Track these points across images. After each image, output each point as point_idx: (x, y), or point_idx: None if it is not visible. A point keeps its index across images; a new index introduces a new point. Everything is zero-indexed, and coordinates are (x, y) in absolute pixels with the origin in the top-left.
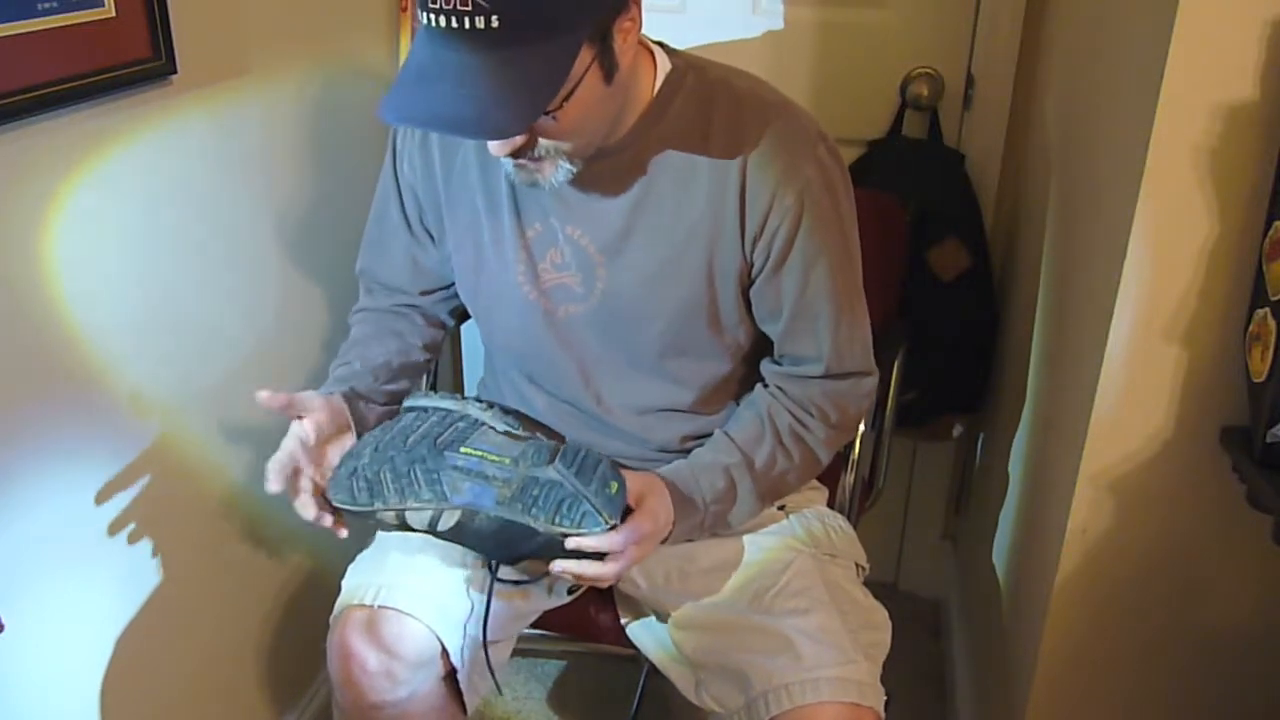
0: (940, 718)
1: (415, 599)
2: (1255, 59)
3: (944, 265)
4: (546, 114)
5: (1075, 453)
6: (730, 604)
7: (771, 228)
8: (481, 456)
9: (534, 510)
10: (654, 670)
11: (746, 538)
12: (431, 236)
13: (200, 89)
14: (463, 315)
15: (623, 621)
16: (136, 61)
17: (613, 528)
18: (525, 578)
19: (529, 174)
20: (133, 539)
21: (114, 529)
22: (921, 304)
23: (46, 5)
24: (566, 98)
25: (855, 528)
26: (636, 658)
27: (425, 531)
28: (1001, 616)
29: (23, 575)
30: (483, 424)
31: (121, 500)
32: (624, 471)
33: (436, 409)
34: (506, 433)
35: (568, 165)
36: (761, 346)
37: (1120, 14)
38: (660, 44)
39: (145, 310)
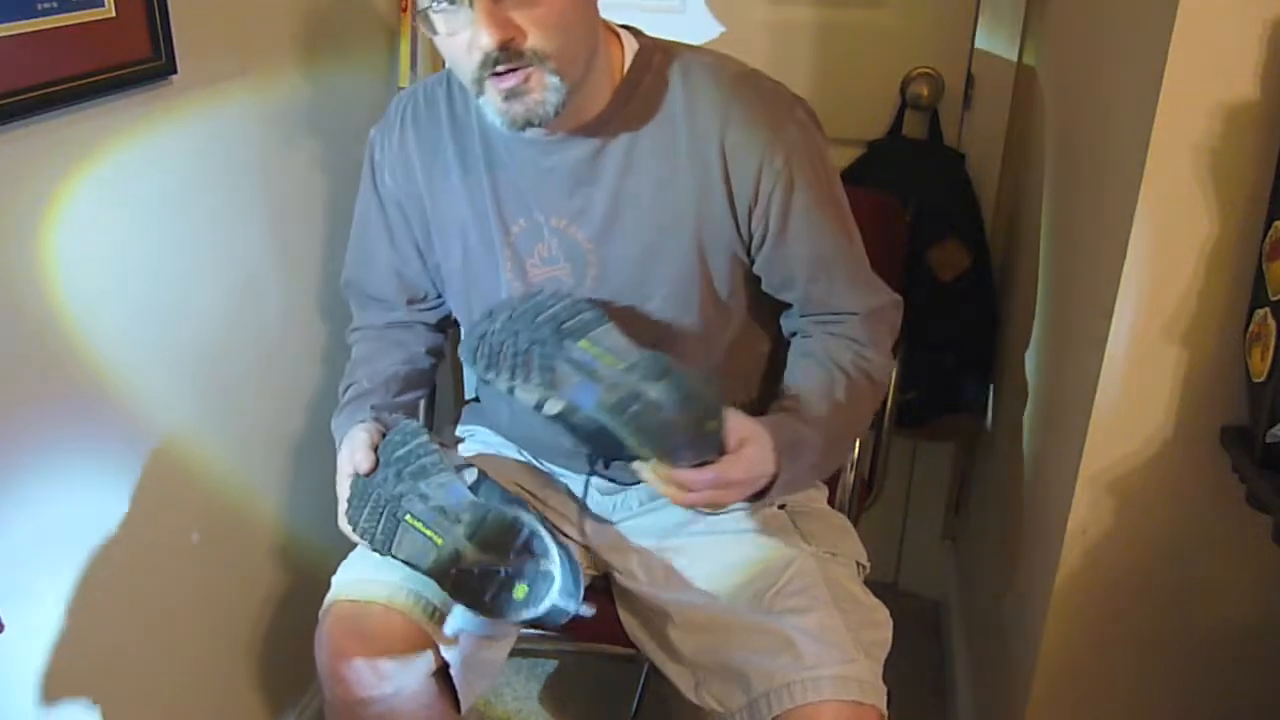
0: (940, 718)
1: (402, 594)
2: (1255, 59)
3: (944, 265)
4: None
5: (1075, 453)
6: (730, 603)
7: (765, 194)
8: (598, 355)
9: (629, 424)
10: (654, 670)
11: (747, 536)
12: (418, 249)
13: (200, 89)
14: (457, 323)
15: (623, 621)
16: (136, 61)
17: (700, 464)
18: (618, 484)
19: (520, 103)
20: (133, 539)
21: (114, 529)
22: (921, 304)
23: (46, 5)
24: None
25: (855, 527)
26: (636, 658)
27: (535, 409)
28: (1001, 616)
29: (23, 575)
30: (608, 320)
31: (121, 500)
32: (734, 414)
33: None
34: (631, 339)
35: (557, 81)
36: (758, 323)
37: (1120, 14)
38: (626, 27)
39: (144, 310)
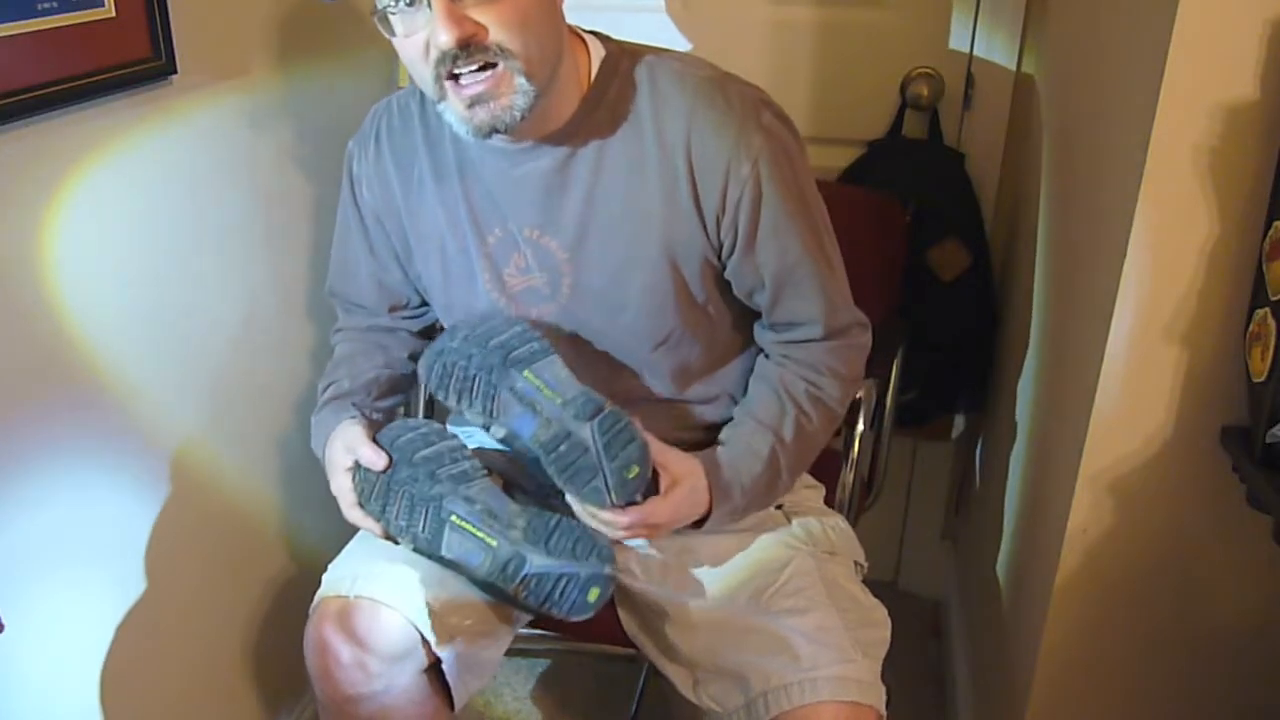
0: (940, 718)
1: (391, 589)
2: (1255, 59)
3: (944, 265)
4: None
5: (1075, 453)
6: (728, 603)
7: (732, 202)
8: (539, 387)
9: (555, 463)
10: (654, 670)
11: (745, 536)
12: (399, 260)
13: (200, 89)
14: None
15: (622, 620)
16: (136, 61)
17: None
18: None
19: (486, 109)
20: (132, 539)
21: (113, 529)
22: (921, 304)
23: (46, 5)
24: None
25: (854, 527)
26: (636, 657)
27: (484, 430)
28: (1001, 616)
29: (23, 575)
30: (554, 352)
31: (120, 500)
32: (669, 452)
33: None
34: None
35: (525, 82)
36: (736, 326)
37: (1120, 14)
38: (594, 32)
39: (144, 310)
